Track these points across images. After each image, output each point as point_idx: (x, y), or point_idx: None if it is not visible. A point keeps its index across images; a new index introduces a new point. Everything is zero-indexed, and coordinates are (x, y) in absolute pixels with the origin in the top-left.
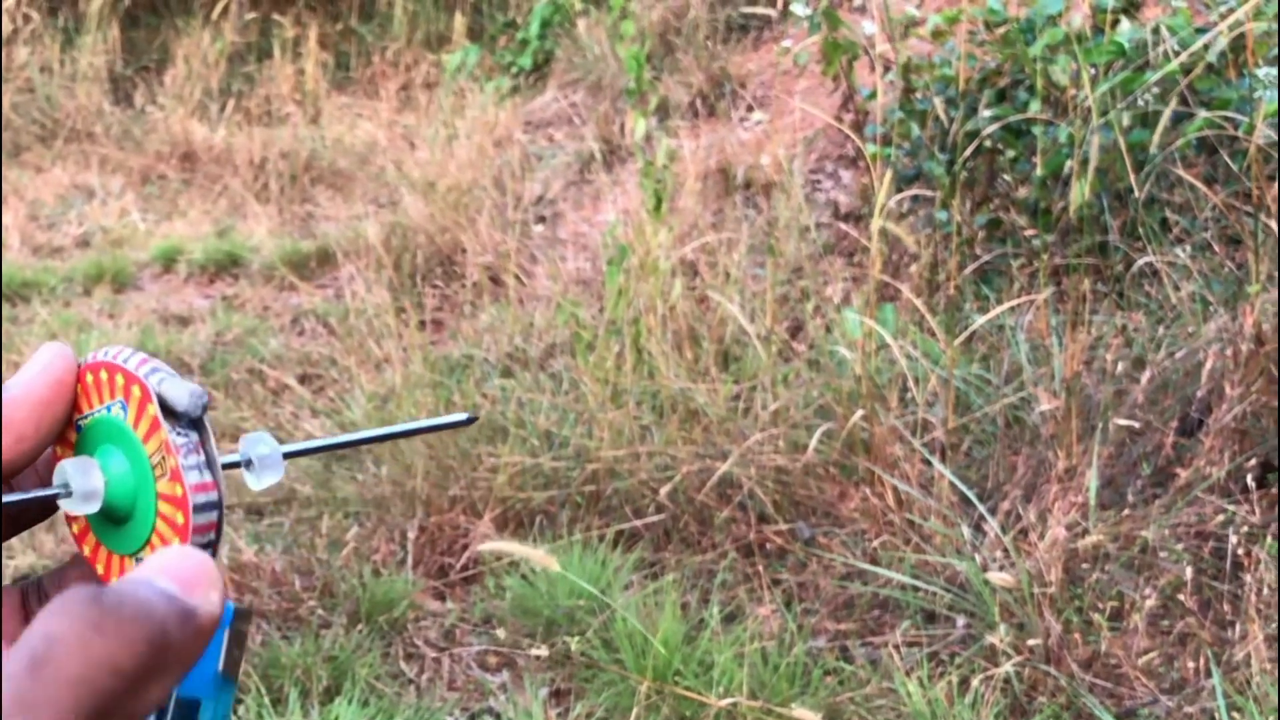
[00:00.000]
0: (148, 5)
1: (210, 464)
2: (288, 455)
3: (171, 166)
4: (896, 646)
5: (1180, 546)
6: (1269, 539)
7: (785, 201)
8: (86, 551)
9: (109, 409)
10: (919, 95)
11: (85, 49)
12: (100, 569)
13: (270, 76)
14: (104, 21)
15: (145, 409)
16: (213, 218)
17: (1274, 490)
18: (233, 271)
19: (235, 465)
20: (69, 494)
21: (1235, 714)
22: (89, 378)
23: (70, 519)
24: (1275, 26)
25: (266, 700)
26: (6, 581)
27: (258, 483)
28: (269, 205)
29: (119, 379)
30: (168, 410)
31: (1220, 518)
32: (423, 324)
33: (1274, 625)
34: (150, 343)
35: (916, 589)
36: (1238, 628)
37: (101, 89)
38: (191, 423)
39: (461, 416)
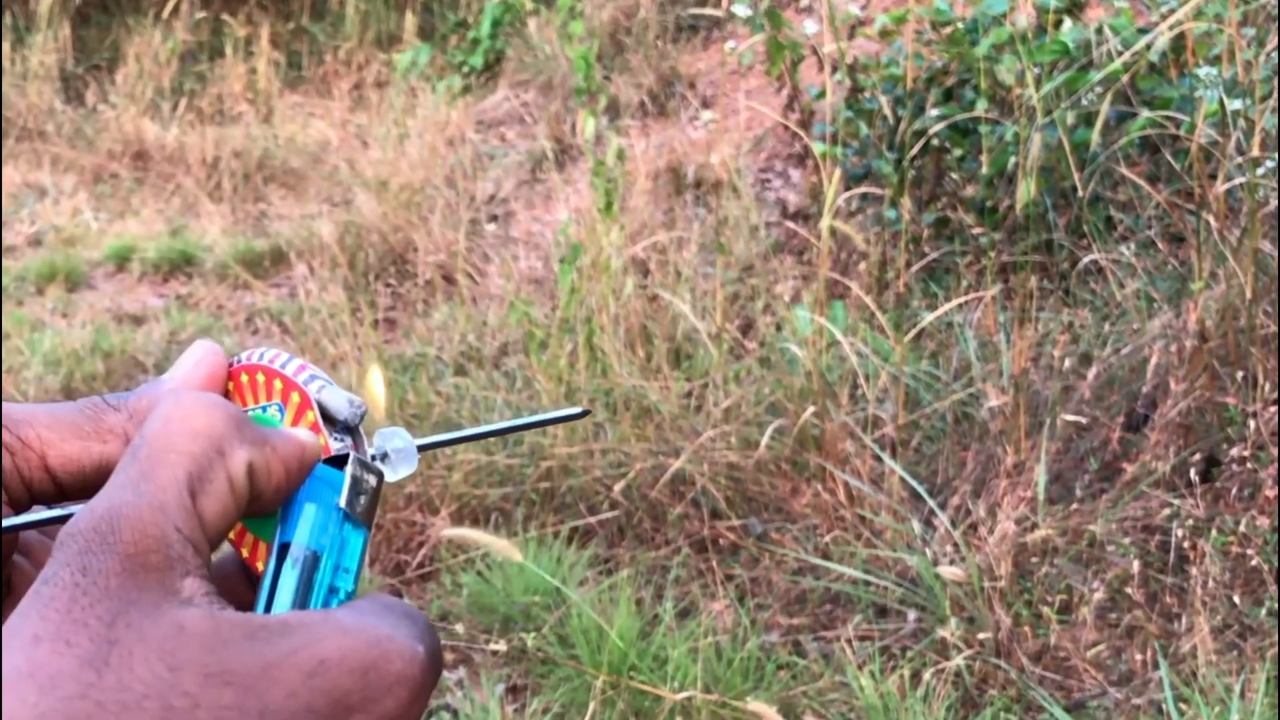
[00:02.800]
0: (98, 4)
1: (370, 465)
2: (421, 448)
3: (124, 165)
4: (849, 640)
5: (1127, 540)
6: (1213, 532)
7: (735, 200)
8: (232, 536)
9: (264, 409)
10: (866, 94)
11: (36, 48)
12: (245, 553)
13: (222, 75)
14: (54, 20)
15: (304, 414)
16: (165, 216)
17: (1218, 484)
18: (186, 270)
19: (372, 459)
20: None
21: (1182, 705)
22: (243, 378)
23: None
24: (1215, 27)
25: None
26: None
27: (393, 474)
28: (222, 204)
29: (277, 384)
30: (325, 416)
31: (1166, 512)
32: (376, 323)
33: (1219, 617)
34: (104, 342)
35: (868, 583)
36: (1184, 620)
37: (53, 88)
38: (345, 428)
39: (576, 410)
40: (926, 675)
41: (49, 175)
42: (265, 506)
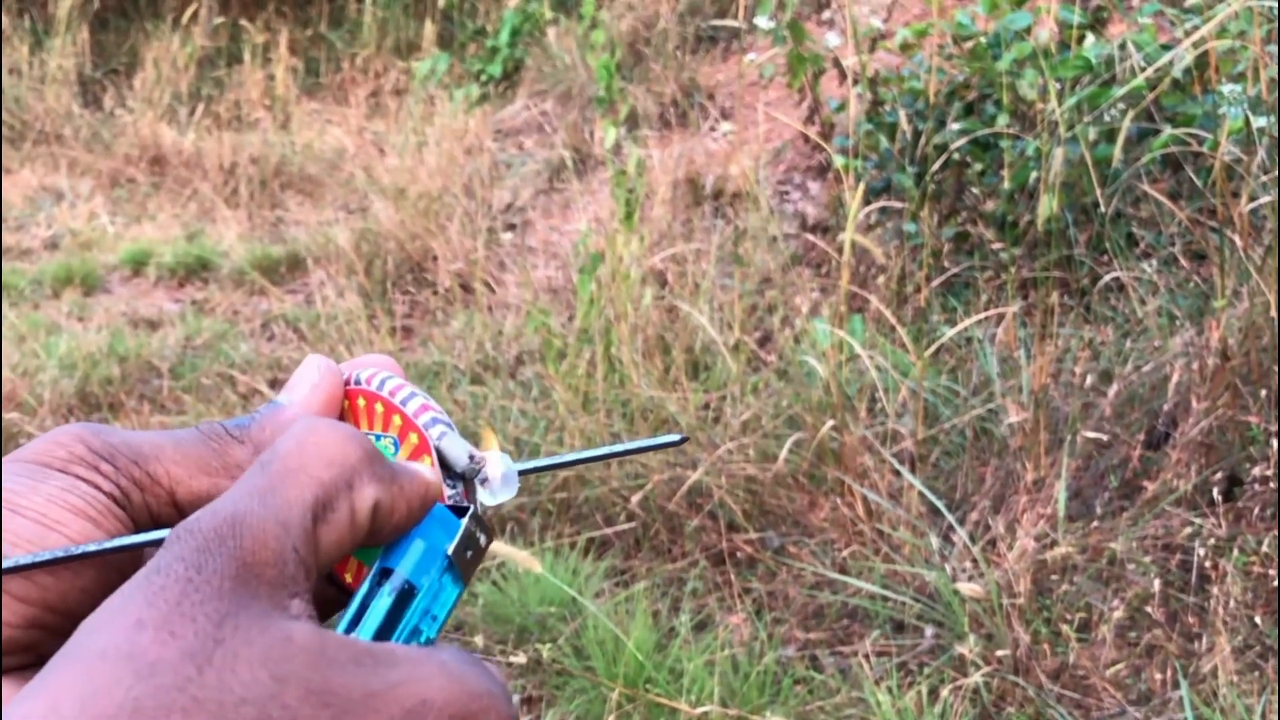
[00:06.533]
0: (117, 8)
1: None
2: (522, 473)
3: (141, 170)
4: (866, 656)
5: (1148, 559)
6: (1235, 552)
7: (754, 212)
8: (348, 578)
9: (378, 438)
10: (887, 108)
11: (54, 51)
12: (349, 578)
13: (240, 81)
14: (73, 24)
15: (421, 457)
16: (182, 221)
17: (1240, 503)
18: (202, 275)
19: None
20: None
21: None
22: (360, 402)
23: None
24: (1239, 44)
25: None
26: None
27: (493, 499)
28: (238, 210)
29: (395, 419)
30: (441, 462)
31: (1187, 530)
32: (394, 330)
33: (1240, 638)
34: (120, 346)
35: (886, 599)
36: (1204, 640)
37: (70, 91)
38: (459, 476)
39: (674, 437)
40: (944, 692)
41: (66, 179)
42: (381, 541)
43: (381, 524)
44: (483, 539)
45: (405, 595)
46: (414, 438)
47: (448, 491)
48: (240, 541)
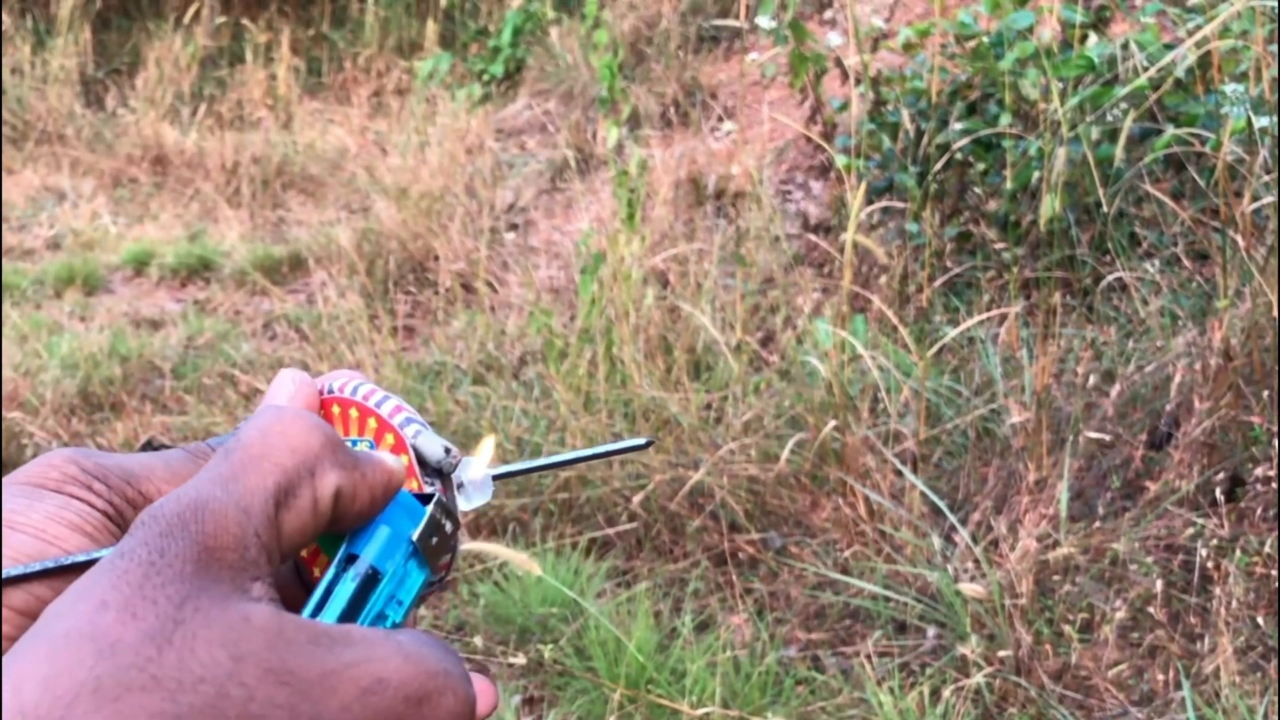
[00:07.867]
0: (119, 8)
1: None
2: (496, 478)
3: (143, 170)
4: (868, 656)
5: (1150, 559)
6: (1237, 552)
7: (756, 212)
8: (316, 573)
9: (354, 443)
10: (890, 107)
11: (56, 51)
12: (317, 572)
13: (242, 81)
14: (75, 24)
15: (398, 457)
16: (184, 221)
17: (1242, 504)
18: (204, 276)
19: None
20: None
21: None
22: (335, 409)
23: None
24: (1241, 44)
25: None
26: None
27: (468, 504)
28: (240, 210)
29: (371, 422)
30: (419, 460)
31: (1189, 531)
32: (395, 330)
33: (1243, 638)
34: (122, 346)
35: (888, 599)
36: (1207, 640)
37: (73, 91)
38: (437, 472)
39: (642, 440)
40: (946, 692)
41: (68, 179)
42: (345, 528)
43: (344, 510)
44: (449, 526)
45: (370, 580)
46: (390, 438)
47: (427, 489)
48: (202, 526)
